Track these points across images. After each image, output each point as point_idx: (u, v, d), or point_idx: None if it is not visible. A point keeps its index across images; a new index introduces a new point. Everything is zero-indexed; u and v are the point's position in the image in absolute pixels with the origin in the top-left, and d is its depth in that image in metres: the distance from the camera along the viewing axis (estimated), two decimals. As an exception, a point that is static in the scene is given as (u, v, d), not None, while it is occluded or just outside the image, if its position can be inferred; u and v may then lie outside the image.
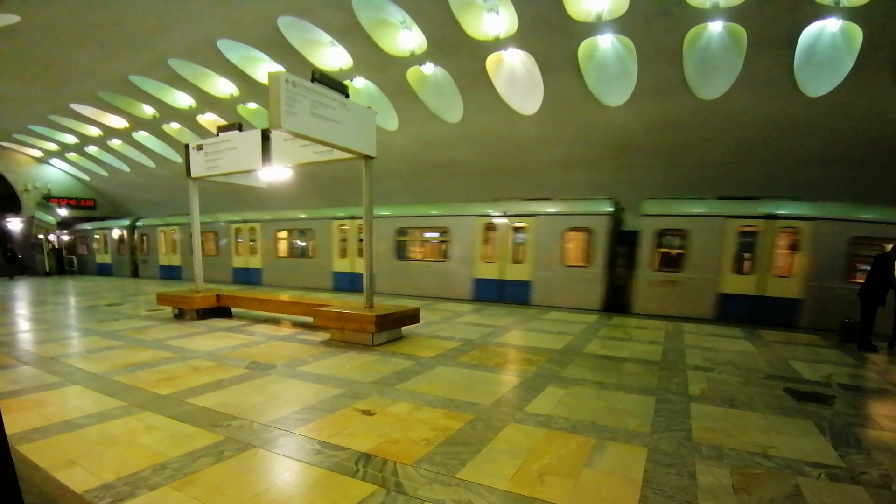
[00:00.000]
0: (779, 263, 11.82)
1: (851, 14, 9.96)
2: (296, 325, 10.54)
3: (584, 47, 12.32)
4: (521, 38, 12.44)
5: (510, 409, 5.25)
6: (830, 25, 10.47)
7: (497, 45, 12.83)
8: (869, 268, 9.27)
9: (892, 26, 9.83)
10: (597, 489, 3.56)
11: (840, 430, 5.00)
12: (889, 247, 9.29)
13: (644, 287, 13.07)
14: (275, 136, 9.05)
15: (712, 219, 12.25)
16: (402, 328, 9.13)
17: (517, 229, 14.70)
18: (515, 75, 13.86)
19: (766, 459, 4.20)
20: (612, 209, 13.53)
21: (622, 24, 11.40)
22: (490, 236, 15.18)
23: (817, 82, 11.37)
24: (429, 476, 3.67)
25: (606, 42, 12.28)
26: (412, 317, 9.15)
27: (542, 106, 14.16)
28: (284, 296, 11.53)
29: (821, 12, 10.05)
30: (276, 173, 10.26)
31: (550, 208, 14.26)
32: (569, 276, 13.99)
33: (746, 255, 12.09)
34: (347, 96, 7.66)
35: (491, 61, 13.50)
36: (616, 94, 13.24)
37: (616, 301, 13.83)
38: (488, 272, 15.17)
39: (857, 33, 10.24)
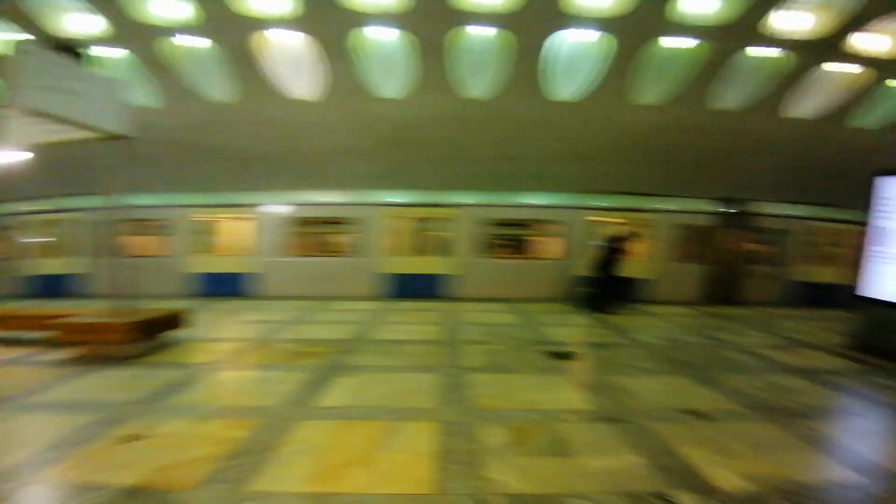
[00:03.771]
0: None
1: (598, 24, 11.68)
2: (31, 342, 8.56)
3: (360, 37, 12.36)
4: (297, 20, 11.97)
5: (300, 406, 5.06)
6: (577, 35, 12.14)
7: (273, 23, 12.15)
8: (602, 249, 11.19)
9: (636, 38, 11.80)
10: (395, 470, 3.66)
11: (589, 380, 5.94)
12: (619, 232, 11.31)
13: None
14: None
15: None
16: (169, 333, 8.09)
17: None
18: (294, 58, 13.25)
19: (535, 414, 4.81)
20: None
21: (396, 18, 11.71)
22: None
23: (567, 86, 13.16)
24: (213, 497, 3.33)
25: (383, 34, 12.46)
26: (179, 320, 8.18)
27: (321, 92, 13.81)
28: (12, 308, 9.38)
29: (568, 22, 11.60)
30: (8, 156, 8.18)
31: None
32: None
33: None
34: (90, 67, 6.49)
35: (268, 41, 12.74)
36: (392, 86, 13.54)
37: None
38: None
39: (604, 42, 12.07)
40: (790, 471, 3.80)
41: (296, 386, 5.73)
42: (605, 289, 11.14)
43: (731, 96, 13.70)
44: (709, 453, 4.03)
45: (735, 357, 7.50)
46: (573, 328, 9.37)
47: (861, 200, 8.20)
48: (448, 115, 14.12)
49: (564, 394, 5.47)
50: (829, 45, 12.29)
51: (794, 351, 8.04)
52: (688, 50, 12.62)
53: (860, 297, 8.10)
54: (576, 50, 12.65)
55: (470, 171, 15.55)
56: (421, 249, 13.71)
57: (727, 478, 3.63)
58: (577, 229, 13.36)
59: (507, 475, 3.58)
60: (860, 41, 12.30)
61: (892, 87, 13.62)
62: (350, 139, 15.24)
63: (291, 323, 9.90)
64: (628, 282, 11.82)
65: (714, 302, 13.24)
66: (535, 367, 6.61)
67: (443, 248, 13.55)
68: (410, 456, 3.89)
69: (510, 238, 14.18)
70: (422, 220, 13.71)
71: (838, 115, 14.18)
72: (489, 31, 12.24)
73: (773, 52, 12.64)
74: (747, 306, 12.92)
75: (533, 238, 14.18)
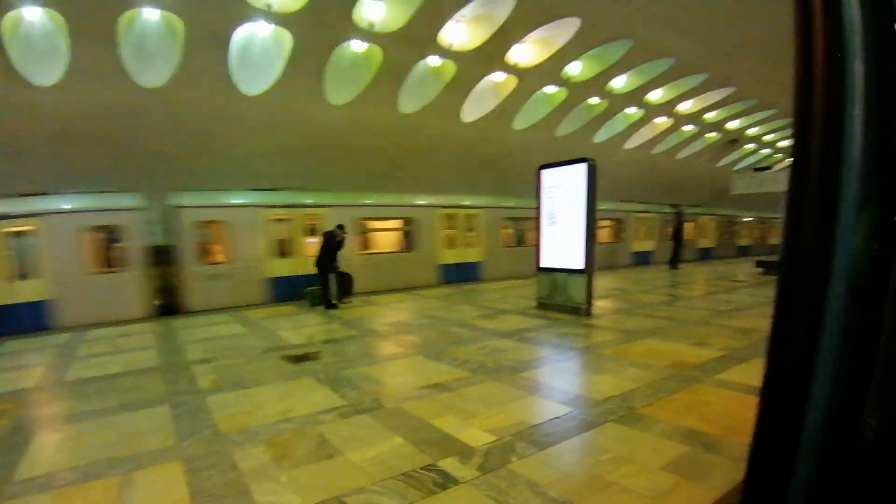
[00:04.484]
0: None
1: (282, 20, 11.27)
2: None
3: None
4: None
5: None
6: (262, 29, 11.58)
7: None
8: (321, 244, 11.21)
9: (317, 34, 11.70)
10: (141, 530, 3.09)
11: (334, 376, 5.99)
12: (336, 228, 11.31)
13: None
14: None
15: None
16: None
17: None
18: None
19: (289, 423, 4.60)
20: None
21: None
22: None
23: (252, 81, 12.53)
24: None
25: (33, 14, 10.07)
26: None
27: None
28: None
29: (253, 15, 10.98)
30: None
31: None
32: None
33: None
34: None
35: None
36: (46, 73, 11.04)
37: None
38: None
39: (287, 38, 11.70)
40: (520, 416, 4.53)
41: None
42: (326, 283, 11.32)
43: (413, 100, 15.14)
44: (456, 419, 4.50)
45: (456, 331, 8.48)
46: (304, 328, 9.26)
47: (530, 190, 10.09)
48: (121, 107, 12.16)
49: (313, 395, 5.38)
50: (491, 57, 14.52)
51: (498, 318, 9.50)
52: (374, 55, 13.36)
53: (540, 268, 10.06)
54: (264, 45, 12.19)
55: (153, 168, 13.69)
56: None
57: (476, 436, 4.12)
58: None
59: (280, 494, 3.34)
60: (517, 54, 14.82)
61: (543, 94, 16.89)
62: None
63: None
64: (345, 275, 12.12)
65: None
66: (276, 374, 6.34)
67: None
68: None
69: None
70: None
71: (504, 117, 17.03)
72: (157, 16, 10.86)
73: (448, 62, 14.34)
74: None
75: None
